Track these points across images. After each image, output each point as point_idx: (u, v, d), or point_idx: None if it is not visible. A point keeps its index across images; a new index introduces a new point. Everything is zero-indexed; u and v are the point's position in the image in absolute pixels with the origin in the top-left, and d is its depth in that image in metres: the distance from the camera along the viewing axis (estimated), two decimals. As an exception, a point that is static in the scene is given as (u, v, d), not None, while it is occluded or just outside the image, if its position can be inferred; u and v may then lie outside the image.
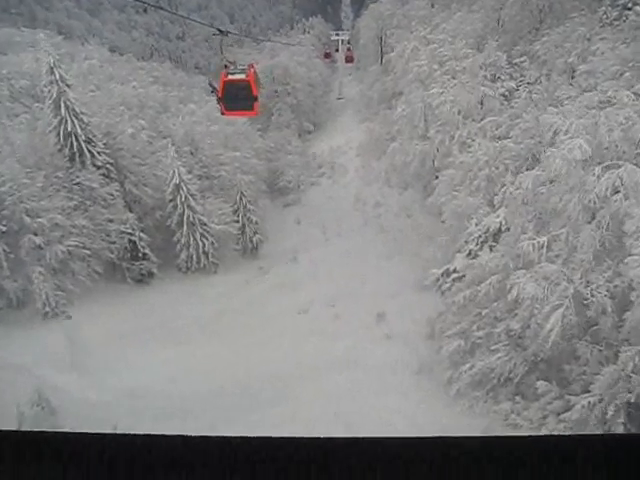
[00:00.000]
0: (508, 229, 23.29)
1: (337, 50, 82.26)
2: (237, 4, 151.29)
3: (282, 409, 23.26)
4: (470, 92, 35.56)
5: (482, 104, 35.53)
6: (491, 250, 24.28)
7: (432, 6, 62.64)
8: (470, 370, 21.13)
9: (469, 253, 25.17)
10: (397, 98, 55.42)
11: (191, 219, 37.50)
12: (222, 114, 19.98)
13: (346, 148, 61.91)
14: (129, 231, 35.50)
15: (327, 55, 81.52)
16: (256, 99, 17.12)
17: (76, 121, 34.92)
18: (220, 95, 17.18)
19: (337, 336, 28.60)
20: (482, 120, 35.00)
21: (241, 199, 41.90)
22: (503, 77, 35.35)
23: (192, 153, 42.29)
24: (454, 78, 38.77)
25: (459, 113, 35.42)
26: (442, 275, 26.20)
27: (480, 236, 24.78)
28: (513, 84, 34.67)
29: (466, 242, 25.80)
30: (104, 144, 36.73)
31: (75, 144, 35.02)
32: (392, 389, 23.63)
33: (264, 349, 28.65)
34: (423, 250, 37.64)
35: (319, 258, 40.15)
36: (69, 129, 34.65)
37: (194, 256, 38.42)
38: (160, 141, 41.30)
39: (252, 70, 17.25)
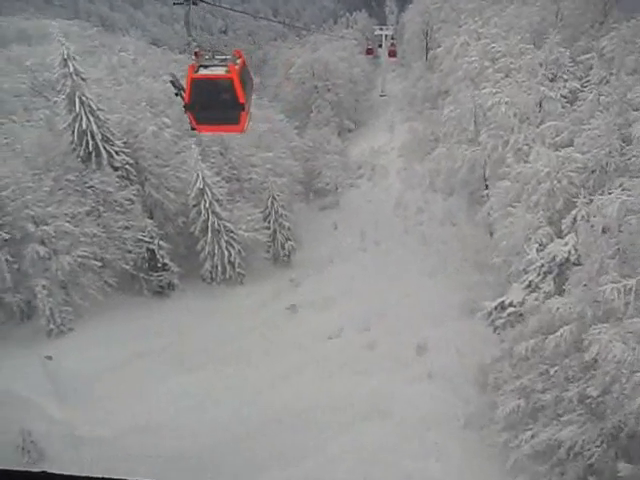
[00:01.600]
0: (579, 262, 18.98)
1: (380, 46, 77.70)
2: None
3: (305, 466, 19.42)
4: (527, 93, 31.10)
5: (541, 106, 31.06)
6: (555, 282, 20.04)
7: (482, -1, 58.03)
8: (532, 439, 16.84)
9: (529, 285, 20.88)
10: (443, 97, 51.23)
11: (216, 226, 33.73)
12: (192, 129, 11.89)
13: (387, 148, 57.73)
14: (147, 239, 31.80)
15: (369, 51, 76.71)
16: (243, 108, 10.78)
17: (92, 118, 31.29)
18: (186, 101, 10.75)
19: (371, 371, 24.63)
20: (540, 124, 30.61)
21: (272, 203, 38.01)
22: (565, 76, 30.76)
23: (222, 153, 38.46)
24: (508, 77, 34.43)
25: (515, 116, 30.96)
26: (495, 308, 21.92)
27: (542, 265, 20.46)
28: (577, 84, 30.11)
29: (525, 271, 21.50)
30: (124, 143, 33.09)
31: (91, 143, 31.40)
32: (432, 449, 19.59)
33: (288, 383, 24.89)
34: (470, 268, 33.63)
35: (355, 270, 36.24)
36: (84, 127, 31.03)
37: (219, 266, 34.68)
38: (187, 140, 37.54)
39: (238, 63, 10.99)
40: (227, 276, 35.01)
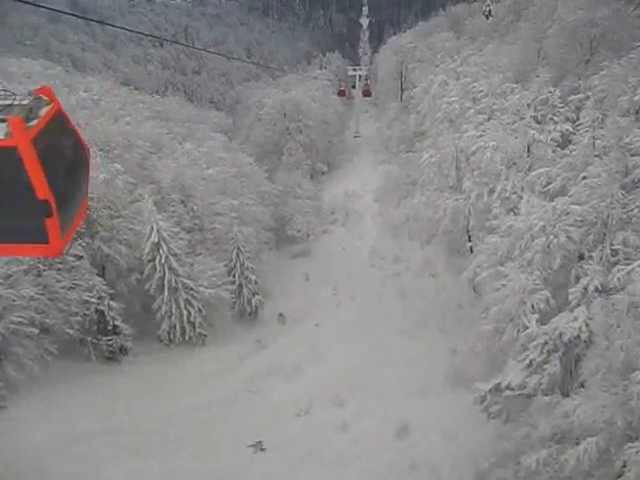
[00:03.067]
0: (591, 340, 15.50)
1: (354, 86, 75.28)
2: (255, 39, 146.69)
3: None
4: (514, 136, 27.80)
5: (529, 151, 27.78)
6: (562, 362, 16.54)
7: (458, 38, 55.20)
8: None
9: (529, 364, 17.28)
10: (420, 139, 48.21)
11: (173, 283, 29.95)
12: None
13: (362, 192, 54.51)
14: (95, 300, 27.86)
15: (341, 92, 73.75)
16: (49, 210, 5.59)
17: (33, 165, 27.53)
18: None
19: (343, 460, 20.66)
20: (529, 171, 27.34)
21: (238, 255, 34.44)
22: (556, 118, 27.48)
23: (183, 201, 34.82)
24: (492, 118, 31.18)
25: (501, 162, 27.60)
26: (490, 391, 18.26)
27: (546, 342, 16.87)
28: (569, 127, 26.86)
29: (524, 347, 17.89)
30: (71, 192, 29.28)
31: (32, 192, 27.60)
32: None
33: (249, 474, 20.84)
34: (452, 326, 30.12)
35: (328, 329, 32.66)
36: (23, 175, 27.23)
37: (177, 326, 30.85)
38: (145, 187, 33.95)
39: (41, 115, 5.91)
40: (187, 337, 31.18)
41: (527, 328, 18.62)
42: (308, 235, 46.49)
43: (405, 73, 65.13)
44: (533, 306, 20.95)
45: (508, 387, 17.64)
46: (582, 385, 16.00)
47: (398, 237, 44.70)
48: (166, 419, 25.08)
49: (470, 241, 32.05)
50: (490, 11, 70.15)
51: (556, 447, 13.42)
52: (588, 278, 16.97)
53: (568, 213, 21.59)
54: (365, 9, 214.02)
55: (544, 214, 21.82)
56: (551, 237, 21.43)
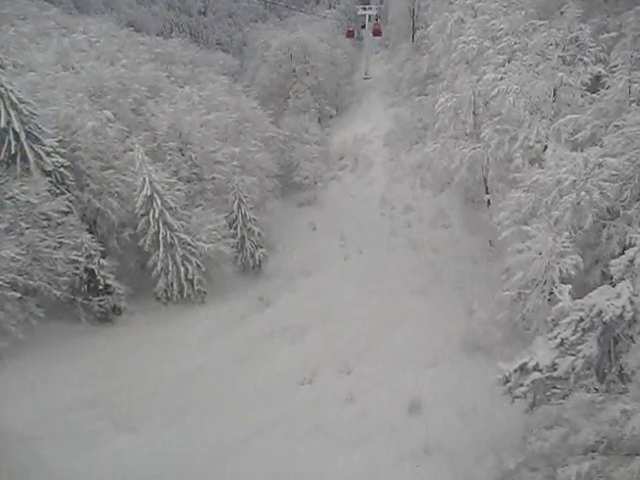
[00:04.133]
0: (635, 320, 13.14)
1: (363, 27, 71.41)
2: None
3: None
4: (538, 79, 24.91)
5: (555, 95, 24.90)
6: (600, 344, 14.21)
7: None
8: None
9: (561, 343, 14.90)
10: (433, 81, 45.20)
11: (169, 239, 27.62)
12: None
13: (372, 137, 51.66)
14: (83, 258, 25.57)
15: (350, 33, 69.78)
16: None
17: (13, 112, 24.94)
18: None
19: (349, 439, 18.48)
20: (555, 118, 24.58)
21: (240, 207, 32.00)
22: (586, 59, 24.48)
23: (181, 149, 32.18)
24: (512, 59, 28.22)
25: (525, 108, 24.75)
26: (515, 371, 15.92)
27: (582, 319, 14.44)
28: (602, 69, 23.94)
29: (554, 322, 15.45)
30: (58, 142, 26.75)
31: (13, 143, 25.08)
32: None
33: (248, 449, 18.75)
34: (468, 284, 27.81)
35: (335, 285, 30.41)
36: (3, 124, 24.65)
37: (174, 284, 28.65)
38: (139, 135, 31.41)
39: None
40: (185, 295, 29.00)
41: (557, 300, 16.19)
42: (315, 182, 44.02)
43: (417, 12, 61.46)
44: (561, 271, 18.62)
45: (536, 368, 15.29)
46: (621, 372, 13.78)
47: (409, 184, 42.15)
48: (162, 386, 23.03)
49: (488, 193, 29.36)
50: (508, -57, 66.19)
51: (602, 458, 11.11)
52: (635, 249, 14.43)
53: (602, 166, 18.99)
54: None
55: (574, 167, 19.21)
56: (582, 193, 18.93)
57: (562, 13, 29.72)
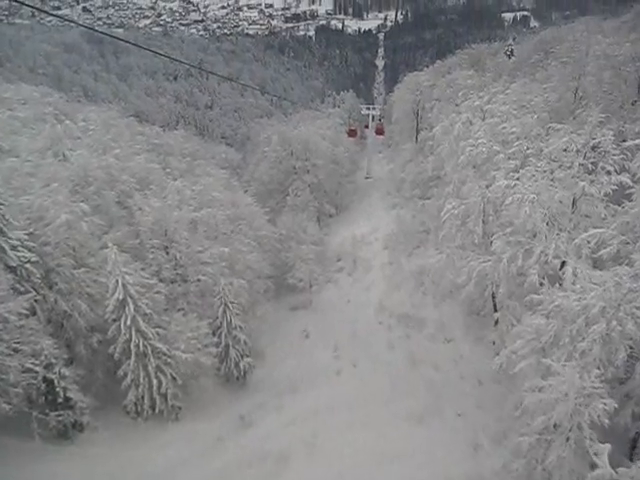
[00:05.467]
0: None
1: (367, 126, 70.46)
2: (270, 76, 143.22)
3: None
4: (557, 187, 22.29)
5: (575, 206, 22.23)
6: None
7: (480, 77, 50.04)
8: None
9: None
10: (436, 183, 42.92)
11: (142, 348, 24.38)
12: None
13: (371, 238, 49.11)
14: (39, 369, 22.27)
15: (352, 132, 68.10)
16: None
17: (-21, 203, 22.29)
18: None
19: None
20: (573, 229, 21.85)
21: (225, 312, 28.91)
22: (609, 167, 21.85)
23: (166, 247, 29.37)
24: (525, 165, 25.73)
25: (542, 219, 22.01)
26: None
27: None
28: (627, 179, 21.32)
29: None
30: (28, 234, 23.93)
31: (-23, 237, 22.34)
32: None
33: None
34: (472, 411, 24.48)
35: (324, 407, 26.80)
36: (-39, 214, 21.98)
37: (146, 398, 25.25)
38: (120, 230, 28.72)
39: None
40: (157, 410, 25.55)
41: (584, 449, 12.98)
42: (311, 285, 41.03)
43: (421, 113, 60.16)
44: (590, 415, 15.42)
45: None
46: None
47: (409, 291, 39.21)
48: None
49: (497, 310, 26.31)
50: (512, 50, 66.00)
51: None
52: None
53: (635, 291, 16.08)
54: (381, 50, 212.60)
55: (604, 292, 16.28)
56: (613, 323, 15.94)
57: (575, 118, 27.66)
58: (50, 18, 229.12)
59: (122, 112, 67.89)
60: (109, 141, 41.94)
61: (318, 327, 36.42)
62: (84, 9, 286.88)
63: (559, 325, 17.47)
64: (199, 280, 29.68)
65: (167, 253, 29.32)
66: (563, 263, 21.57)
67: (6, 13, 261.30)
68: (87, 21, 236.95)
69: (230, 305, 28.79)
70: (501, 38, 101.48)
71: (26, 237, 23.79)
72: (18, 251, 23.36)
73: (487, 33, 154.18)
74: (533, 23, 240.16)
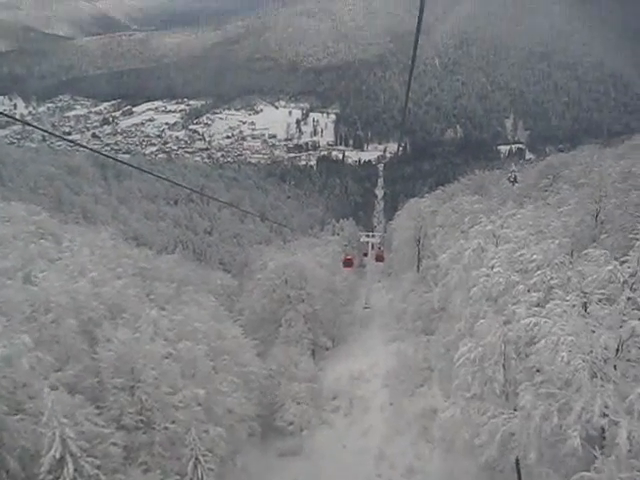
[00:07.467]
0: None
1: (365, 254, 67.29)
2: (270, 203, 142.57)
3: None
4: (596, 328, 17.88)
5: (621, 351, 17.76)
6: None
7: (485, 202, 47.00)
8: None
9: None
10: (441, 316, 38.63)
11: (84, 519, 19.29)
12: None
13: (370, 375, 44.14)
14: None
15: (348, 262, 63.75)
16: None
17: None
18: None
19: None
20: (620, 379, 17.27)
21: (196, 468, 23.89)
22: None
23: (131, 387, 24.64)
24: (550, 298, 21.44)
25: (584, 367, 17.43)
26: None
27: None
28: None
29: None
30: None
31: None
32: None
33: None
34: None
35: None
36: None
37: None
38: (65, 370, 24.17)
39: None
40: None
41: None
42: (302, 429, 35.87)
43: (423, 240, 56.76)
44: None
45: None
46: None
47: (412, 438, 34.03)
48: None
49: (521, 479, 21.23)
50: (516, 177, 63.64)
51: None
52: None
53: None
54: (380, 180, 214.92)
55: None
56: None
57: (598, 244, 23.77)
58: (60, 142, 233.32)
59: (118, 234, 64.71)
60: (87, 263, 38.00)
61: (309, 479, 31.16)
62: (93, 135, 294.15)
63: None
64: (166, 428, 24.75)
65: (132, 395, 24.57)
66: (610, 422, 16.84)
67: (18, 137, 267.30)
68: (95, 146, 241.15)
69: (202, 460, 23.80)
70: (499, 168, 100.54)
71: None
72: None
73: (484, 164, 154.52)
74: (528, 155, 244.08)
